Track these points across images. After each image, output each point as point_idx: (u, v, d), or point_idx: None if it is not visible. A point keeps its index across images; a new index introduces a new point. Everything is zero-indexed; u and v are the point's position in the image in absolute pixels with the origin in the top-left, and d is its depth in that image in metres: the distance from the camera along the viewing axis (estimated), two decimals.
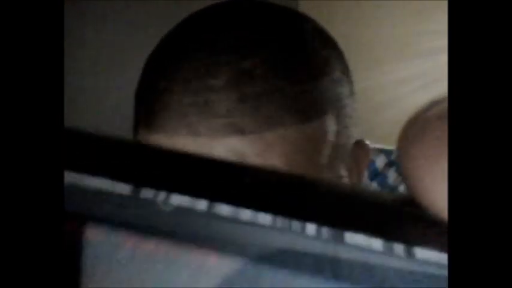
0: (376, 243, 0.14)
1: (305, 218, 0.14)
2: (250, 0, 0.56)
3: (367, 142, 0.58)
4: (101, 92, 1.41)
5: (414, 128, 0.14)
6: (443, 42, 1.79)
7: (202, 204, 0.15)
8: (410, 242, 0.14)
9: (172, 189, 0.15)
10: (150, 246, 0.15)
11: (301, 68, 0.50)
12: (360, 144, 0.57)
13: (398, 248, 0.14)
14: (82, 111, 1.34)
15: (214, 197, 0.15)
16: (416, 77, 1.91)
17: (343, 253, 0.14)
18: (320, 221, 0.14)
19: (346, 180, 0.54)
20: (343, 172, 0.54)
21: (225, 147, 0.48)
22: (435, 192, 0.14)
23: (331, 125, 0.51)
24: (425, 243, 0.14)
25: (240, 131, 0.48)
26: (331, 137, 0.51)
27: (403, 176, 0.15)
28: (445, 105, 0.14)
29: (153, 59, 0.54)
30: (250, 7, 0.54)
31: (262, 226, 0.14)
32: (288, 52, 0.51)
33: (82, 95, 1.36)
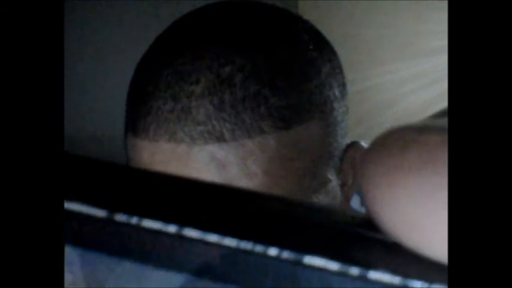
0: (333, 265, 0.14)
1: (266, 242, 0.15)
2: (242, 2, 0.55)
3: (363, 143, 0.58)
4: (101, 93, 1.41)
5: (372, 154, 0.15)
6: (443, 42, 1.79)
7: (172, 227, 0.16)
8: (365, 265, 0.14)
9: (144, 214, 0.16)
10: (125, 267, 0.16)
11: (282, 74, 0.50)
12: (355, 145, 0.57)
13: (353, 269, 0.14)
14: (81, 111, 1.34)
15: (183, 222, 0.16)
16: (416, 77, 1.91)
17: (301, 273, 0.14)
18: (279, 245, 0.15)
19: (335, 183, 0.54)
20: (332, 176, 0.53)
21: (205, 154, 0.48)
22: (389, 216, 0.14)
23: (315, 130, 0.51)
24: (379, 265, 0.14)
25: (219, 139, 0.48)
26: (315, 142, 0.51)
27: (363, 198, 0.15)
28: (402, 135, 0.15)
29: (142, 63, 0.54)
30: (239, 10, 0.54)
31: (228, 247, 0.15)
32: (270, 57, 0.50)
33: (82, 96, 1.36)
